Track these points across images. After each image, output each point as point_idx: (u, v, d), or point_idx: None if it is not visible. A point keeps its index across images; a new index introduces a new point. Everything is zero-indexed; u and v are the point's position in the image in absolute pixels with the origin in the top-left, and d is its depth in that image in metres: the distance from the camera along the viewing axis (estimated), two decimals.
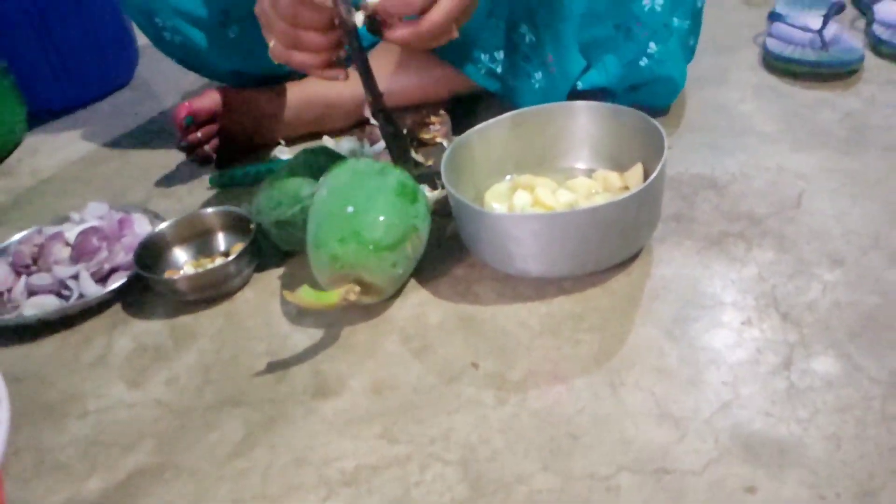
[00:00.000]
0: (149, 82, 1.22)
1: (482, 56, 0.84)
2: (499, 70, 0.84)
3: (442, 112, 0.87)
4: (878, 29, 0.93)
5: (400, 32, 0.61)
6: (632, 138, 0.68)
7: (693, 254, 0.62)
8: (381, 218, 0.59)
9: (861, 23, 1.00)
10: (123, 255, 0.70)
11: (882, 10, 0.95)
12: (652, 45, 0.78)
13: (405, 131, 0.82)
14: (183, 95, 1.14)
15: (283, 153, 0.90)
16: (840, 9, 0.96)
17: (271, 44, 0.65)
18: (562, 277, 0.62)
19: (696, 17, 0.82)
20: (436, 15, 0.60)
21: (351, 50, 0.64)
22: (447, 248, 0.68)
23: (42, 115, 1.14)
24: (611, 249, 0.60)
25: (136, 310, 0.68)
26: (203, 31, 0.88)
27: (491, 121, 0.72)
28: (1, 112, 1.02)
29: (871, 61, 0.89)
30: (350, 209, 0.59)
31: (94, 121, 1.12)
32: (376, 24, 0.62)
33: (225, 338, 0.62)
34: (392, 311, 0.62)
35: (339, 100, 0.91)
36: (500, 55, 0.83)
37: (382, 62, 0.89)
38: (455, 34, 0.63)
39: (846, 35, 0.92)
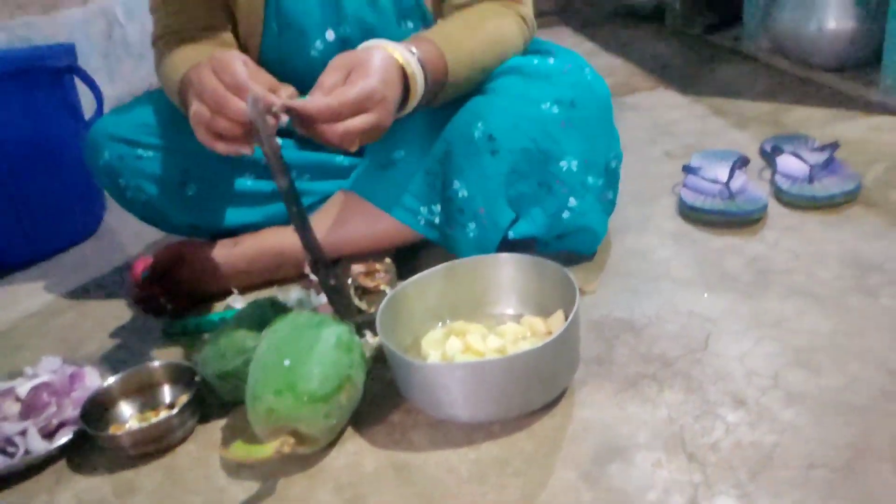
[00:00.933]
0: (114, 232, 1.28)
1: (421, 208, 0.91)
2: (437, 221, 0.91)
3: (387, 260, 0.93)
4: (780, 179, 1.03)
5: (314, 105, 0.65)
6: (553, 287, 0.74)
7: (611, 395, 0.67)
8: (316, 370, 0.62)
9: (767, 173, 1.11)
10: (72, 410, 0.72)
11: (783, 163, 1.06)
12: (571, 199, 0.87)
13: (349, 280, 0.88)
14: (146, 246, 1.20)
15: (237, 302, 0.94)
16: (745, 162, 1.07)
17: (198, 133, 0.70)
18: (489, 421, 0.65)
19: (610, 175, 0.91)
20: (357, 123, 0.67)
21: (287, 207, 0.70)
22: (386, 393, 0.72)
23: (5, 268, 1.18)
24: (533, 394, 0.65)
25: (81, 464, 0.69)
26: (164, 190, 0.95)
27: (426, 272, 0.78)
28: None
29: (775, 209, 0.99)
30: (287, 362, 0.63)
31: (57, 272, 1.16)
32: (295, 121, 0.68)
33: (164, 493, 0.64)
34: (328, 460, 0.65)
35: (290, 250, 0.97)
36: (437, 208, 0.91)
37: (329, 214, 0.96)
38: (354, 147, 0.69)
39: (751, 185, 1.02)
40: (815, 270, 0.82)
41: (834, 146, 1.06)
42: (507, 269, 0.79)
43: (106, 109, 1.32)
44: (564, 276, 0.72)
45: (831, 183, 0.98)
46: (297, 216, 0.71)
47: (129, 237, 1.23)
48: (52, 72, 1.20)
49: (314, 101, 0.66)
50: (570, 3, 3.04)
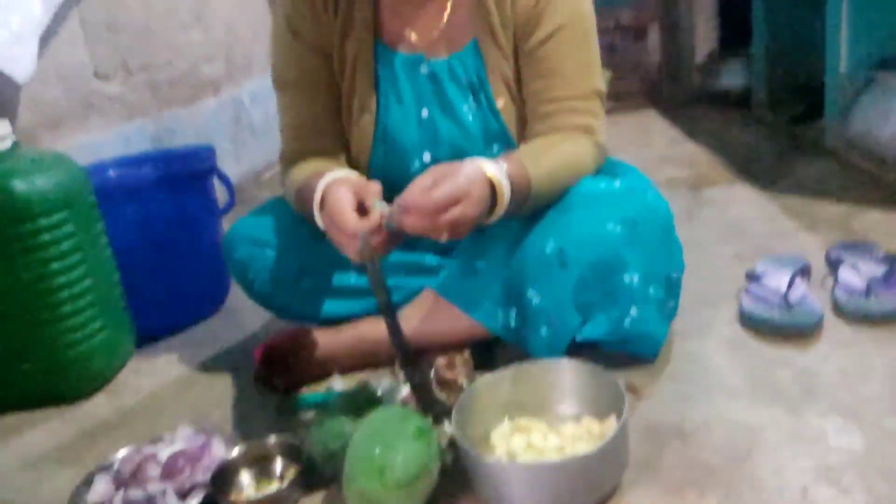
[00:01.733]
0: (236, 310, 1.48)
1: (499, 312, 1.04)
2: (512, 324, 1.04)
3: (466, 354, 1.06)
4: (838, 292, 1.09)
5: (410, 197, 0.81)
6: (608, 392, 0.85)
7: (656, 499, 0.76)
8: (400, 459, 0.76)
9: (830, 281, 1.17)
10: (202, 476, 0.88)
11: (844, 274, 1.12)
12: (633, 309, 0.97)
13: (431, 370, 1.02)
14: (262, 325, 1.38)
15: (337, 383, 1.10)
16: (806, 272, 1.14)
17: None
18: None
19: (671, 285, 1.01)
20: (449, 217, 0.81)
21: (384, 318, 0.86)
22: (456, 481, 0.83)
23: (147, 338, 1.39)
24: (583, 493, 0.75)
25: None
26: (282, 284, 1.13)
27: (498, 372, 0.90)
28: (117, 340, 1.27)
29: (831, 320, 1.05)
30: (377, 451, 0.76)
31: (189, 345, 1.36)
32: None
33: None
34: None
35: (385, 340, 1.10)
36: (513, 312, 1.03)
37: (417, 310, 1.11)
38: (444, 237, 0.83)
39: (810, 296, 1.09)
40: (859, 388, 0.89)
41: (894, 259, 1.11)
42: (569, 373, 0.90)
43: (233, 180, 1.55)
44: (617, 385, 0.82)
45: (888, 299, 1.04)
46: (392, 326, 0.86)
47: (248, 316, 1.42)
48: (197, 174, 1.43)
49: (412, 196, 0.81)
50: (657, 84, 3.14)
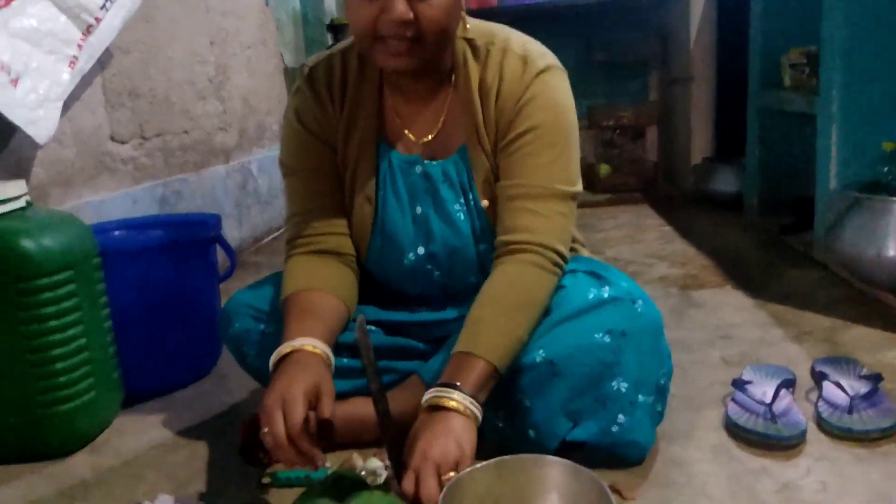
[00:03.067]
0: (225, 377, 1.48)
1: (488, 412, 1.05)
2: (500, 425, 1.05)
3: None
4: (822, 407, 1.11)
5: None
6: (592, 493, 0.85)
7: None
8: None
9: (814, 395, 1.19)
10: None
11: (827, 389, 1.14)
12: (621, 416, 0.99)
13: None
14: (250, 393, 1.38)
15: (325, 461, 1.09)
16: (791, 384, 1.16)
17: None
18: None
19: (660, 392, 1.03)
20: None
21: (374, 404, 0.87)
22: None
23: (134, 397, 1.38)
24: None
25: None
26: None
27: (479, 465, 0.90)
28: (104, 399, 1.27)
29: (814, 434, 1.06)
30: None
31: (175, 409, 1.36)
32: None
33: None
34: None
35: (373, 421, 1.10)
36: (501, 414, 1.04)
37: (405, 395, 1.11)
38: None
39: (795, 408, 1.10)
40: None
41: (877, 378, 1.13)
42: (553, 471, 0.90)
43: (233, 244, 1.57)
44: (602, 487, 0.83)
45: (870, 417, 1.06)
46: (380, 408, 0.87)
47: (237, 382, 1.42)
48: (201, 241, 1.46)
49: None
50: (654, 182, 3.24)
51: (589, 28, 3.36)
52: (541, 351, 0.98)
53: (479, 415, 0.92)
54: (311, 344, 0.97)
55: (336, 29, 3.26)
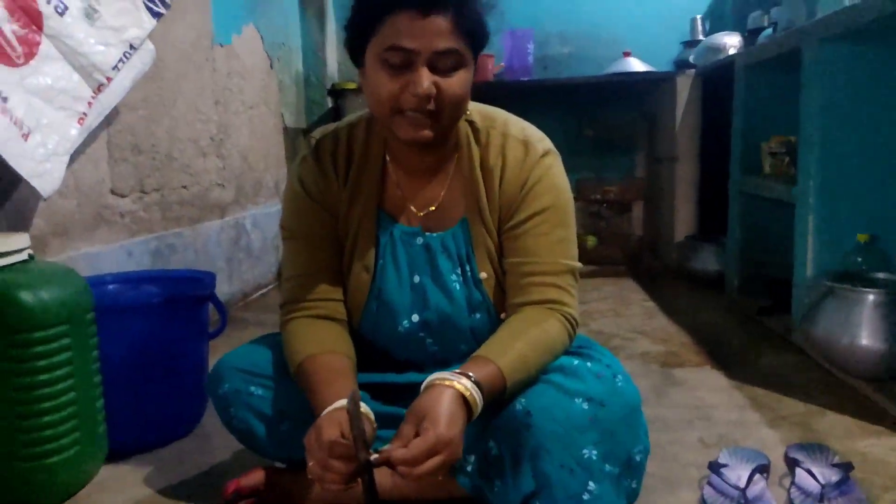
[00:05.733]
0: (209, 436, 1.48)
1: (462, 460, 1.06)
2: (469, 469, 1.08)
3: None
4: (794, 493, 1.14)
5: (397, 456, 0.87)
6: None
7: None
8: None
9: (787, 480, 1.21)
10: None
11: (800, 476, 1.17)
12: (591, 483, 1.00)
13: None
14: (233, 454, 1.39)
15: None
16: (765, 470, 1.19)
17: (310, 464, 0.90)
18: None
19: (633, 466, 1.05)
20: (430, 465, 0.85)
21: (359, 472, 0.89)
22: None
23: (118, 452, 1.38)
24: None
25: None
26: (263, 424, 1.16)
27: None
28: (87, 454, 1.27)
29: None
30: None
31: (157, 466, 1.36)
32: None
33: None
34: None
35: (358, 490, 1.13)
36: (471, 458, 1.07)
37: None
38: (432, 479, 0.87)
39: (768, 494, 1.13)
40: None
41: (848, 467, 1.16)
42: None
43: (222, 298, 1.60)
44: None
45: None
46: (366, 478, 0.89)
47: (220, 442, 1.43)
48: (195, 299, 1.49)
49: (397, 454, 0.87)
50: (639, 255, 3.32)
51: (580, 106, 3.50)
52: (522, 399, 1.01)
53: (479, 405, 0.94)
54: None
55: (337, 93, 3.37)
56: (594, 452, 1.01)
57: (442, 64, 1.00)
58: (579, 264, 1.13)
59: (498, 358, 0.99)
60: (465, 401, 0.92)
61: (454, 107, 1.03)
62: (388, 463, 0.87)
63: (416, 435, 0.88)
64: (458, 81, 1.02)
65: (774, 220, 2.37)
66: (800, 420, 1.47)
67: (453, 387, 0.92)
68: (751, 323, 2.23)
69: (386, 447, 0.89)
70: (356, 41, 1.05)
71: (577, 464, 1.00)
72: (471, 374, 0.95)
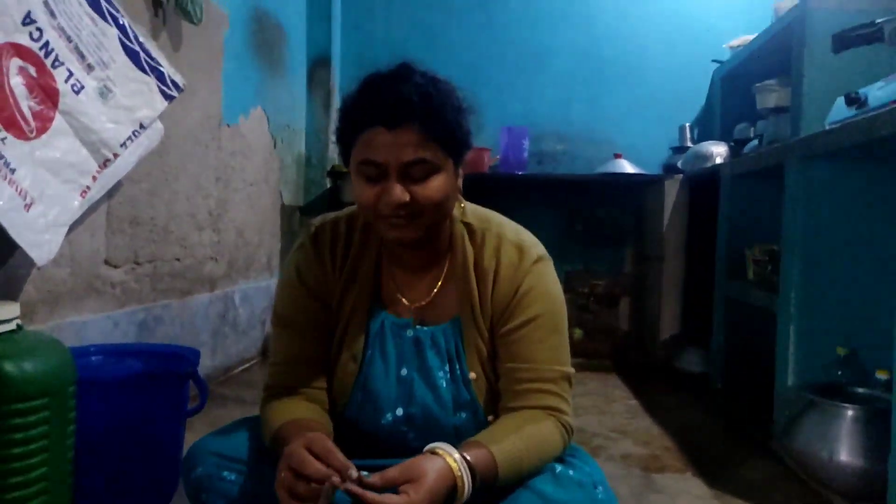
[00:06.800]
0: None
1: None
2: None
3: None
4: None
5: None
6: None
7: None
8: None
9: None
10: None
11: None
12: None
13: None
14: None
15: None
16: None
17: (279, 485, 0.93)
18: None
19: None
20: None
21: None
22: None
23: None
24: None
25: None
26: None
27: None
28: None
29: None
30: None
31: None
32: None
33: None
34: None
35: None
36: None
37: None
38: None
39: None
40: None
41: None
42: None
43: (204, 372, 1.58)
44: None
45: None
46: None
47: None
48: (177, 376, 1.49)
49: (368, 495, 0.87)
50: (625, 351, 3.33)
51: (572, 200, 3.60)
52: None
53: (468, 489, 0.94)
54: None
55: (335, 175, 3.45)
56: None
57: (414, 173, 1.04)
58: (573, 370, 1.15)
59: (494, 446, 0.99)
60: (453, 479, 0.93)
61: (432, 210, 1.07)
62: (360, 484, 0.89)
63: (394, 485, 0.90)
64: (433, 187, 1.05)
65: (759, 326, 2.40)
66: None
67: (446, 460, 0.94)
68: (733, 427, 2.23)
69: (367, 478, 0.89)
70: (344, 152, 1.11)
71: None
72: (468, 455, 0.96)
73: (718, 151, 2.97)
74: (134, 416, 1.41)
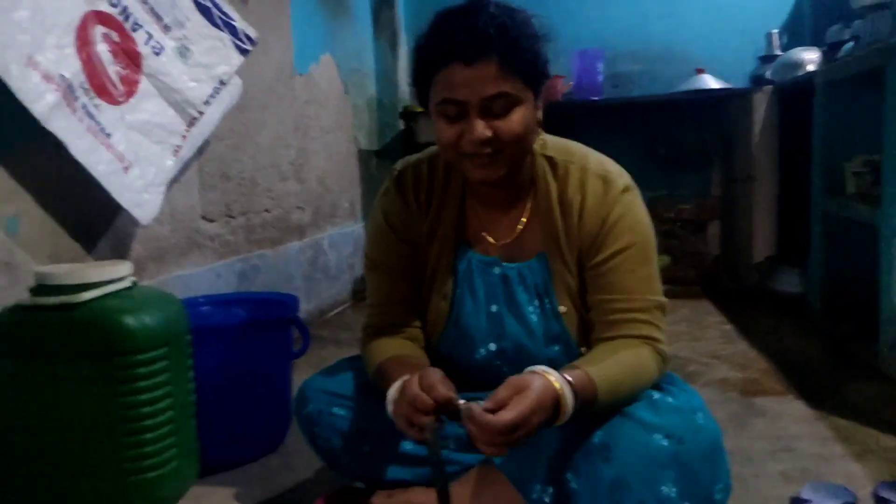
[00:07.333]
0: (293, 453, 1.55)
1: (539, 488, 1.08)
2: (547, 500, 1.07)
3: None
4: None
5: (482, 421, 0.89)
6: None
7: None
8: None
9: None
10: None
11: None
12: None
13: None
14: (315, 472, 1.45)
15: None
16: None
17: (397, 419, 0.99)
18: None
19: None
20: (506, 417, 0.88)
21: (438, 496, 0.92)
22: None
23: (208, 467, 1.46)
24: None
25: None
26: (344, 443, 1.21)
27: None
28: (184, 468, 1.35)
29: None
30: None
31: (246, 483, 1.43)
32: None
33: None
34: None
35: None
36: (550, 489, 1.07)
37: (467, 488, 1.16)
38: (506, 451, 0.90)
39: None
40: None
41: None
42: None
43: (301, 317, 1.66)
44: None
45: None
46: (443, 499, 0.92)
47: (304, 460, 1.49)
48: (280, 322, 1.56)
49: (484, 419, 0.89)
50: (715, 275, 3.24)
51: (652, 124, 3.46)
52: (599, 433, 1.01)
53: (570, 407, 0.94)
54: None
55: (408, 116, 3.45)
56: (673, 490, 1.00)
57: (495, 107, 1.03)
58: (666, 299, 1.13)
59: (595, 374, 0.99)
60: (556, 397, 0.93)
61: (515, 144, 1.06)
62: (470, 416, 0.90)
63: (506, 405, 0.90)
64: (515, 120, 1.04)
65: (860, 243, 2.29)
66: (889, 455, 1.42)
67: (548, 379, 0.94)
68: (835, 349, 2.16)
69: (480, 404, 0.91)
70: (420, 94, 1.10)
71: (656, 500, 1.00)
72: (568, 376, 0.96)
73: (810, 58, 2.78)
74: (245, 361, 1.49)
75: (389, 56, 3.56)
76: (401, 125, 3.55)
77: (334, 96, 3.03)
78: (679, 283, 3.17)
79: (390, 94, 3.57)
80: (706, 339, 2.33)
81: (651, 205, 3.51)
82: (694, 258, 3.37)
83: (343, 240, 3.01)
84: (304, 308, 2.66)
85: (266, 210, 2.41)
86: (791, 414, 1.66)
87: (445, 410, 0.94)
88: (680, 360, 2.11)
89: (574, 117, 3.32)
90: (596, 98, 3.27)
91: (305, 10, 2.75)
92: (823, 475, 1.34)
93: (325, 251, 2.86)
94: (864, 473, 1.35)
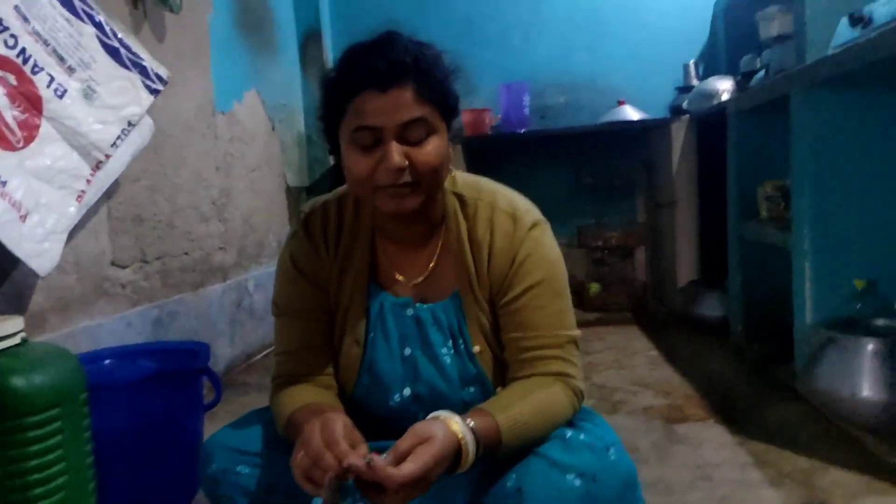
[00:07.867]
0: None
1: None
2: None
3: None
4: None
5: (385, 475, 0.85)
6: None
7: None
8: None
9: None
10: None
11: None
12: None
13: None
14: None
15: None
16: None
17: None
18: None
19: None
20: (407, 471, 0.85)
21: None
22: None
23: None
24: None
25: None
26: (249, 501, 1.15)
27: None
28: None
29: None
30: None
31: None
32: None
33: None
34: None
35: None
36: None
37: None
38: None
39: None
40: None
41: None
42: None
43: (225, 362, 1.60)
44: None
45: None
46: None
47: None
48: (189, 373, 1.50)
49: (385, 473, 0.86)
50: (643, 301, 3.30)
51: (578, 154, 3.53)
52: (513, 476, 0.99)
53: (471, 454, 0.92)
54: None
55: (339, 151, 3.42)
56: None
57: (411, 135, 1.01)
58: (579, 332, 1.12)
59: (500, 417, 0.97)
60: (458, 445, 0.92)
61: (430, 175, 1.04)
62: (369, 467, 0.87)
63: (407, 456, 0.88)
64: (431, 149, 1.03)
65: (775, 265, 2.35)
66: (803, 478, 1.44)
67: (450, 427, 0.92)
68: (756, 371, 2.20)
69: (381, 459, 0.88)
70: (329, 127, 1.08)
71: None
72: (471, 422, 0.94)
73: (724, 87, 2.89)
74: (150, 416, 1.42)
75: (318, 90, 3.53)
76: (331, 161, 3.52)
77: (261, 133, 2.99)
78: (610, 309, 3.21)
79: (320, 130, 3.54)
80: (633, 366, 2.35)
81: (579, 233, 3.56)
82: (623, 284, 3.43)
83: (270, 279, 2.90)
84: (229, 353, 2.57)
85: (185, 252, 2.33)
86: (712, 440, 1.68)
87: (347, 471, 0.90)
88: (607, 389, 2.11)
89: (502, 150, 3.35)
90: (523, 130, 3.32)
91: (227, 47, 2.71)
92: (742, 501, 1.35)
93: (251, 292, 2.78)
94: (780, 498, 1.36)
